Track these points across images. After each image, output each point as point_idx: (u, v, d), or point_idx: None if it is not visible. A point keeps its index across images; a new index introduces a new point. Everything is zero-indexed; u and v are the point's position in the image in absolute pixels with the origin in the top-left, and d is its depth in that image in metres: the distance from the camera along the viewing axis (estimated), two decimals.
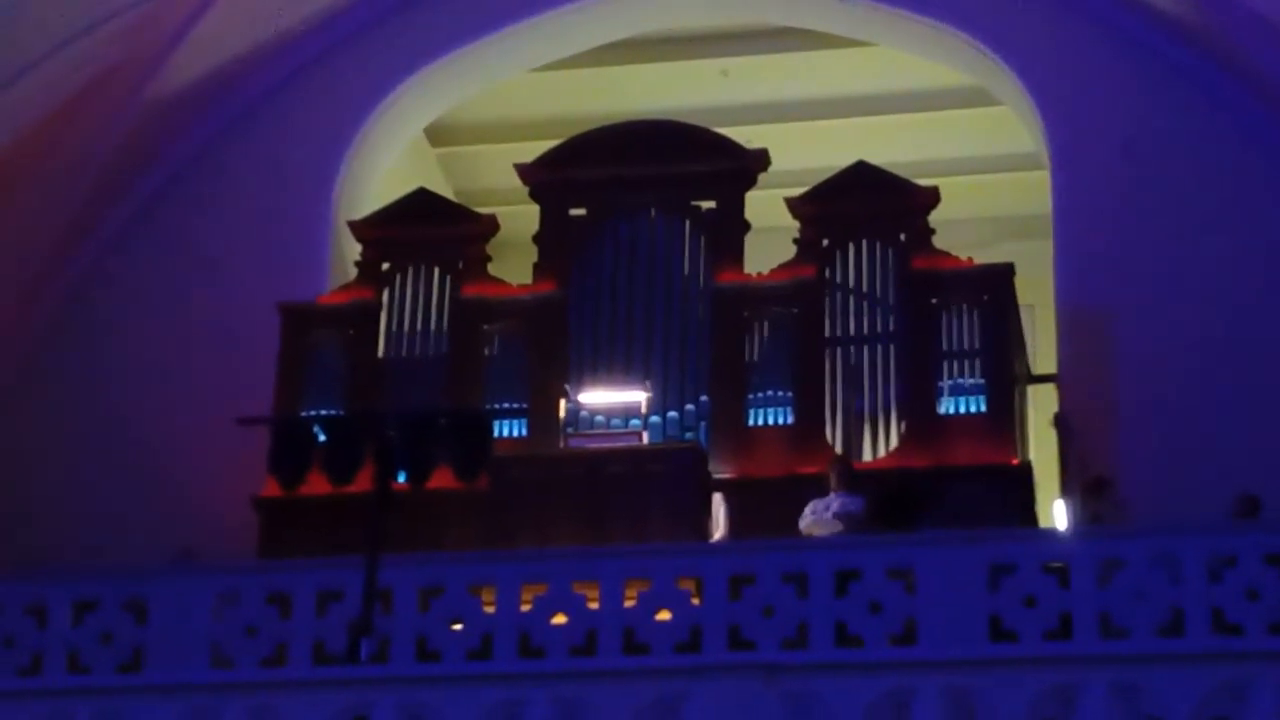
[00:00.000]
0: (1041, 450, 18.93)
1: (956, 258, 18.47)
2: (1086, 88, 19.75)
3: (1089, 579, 13.79)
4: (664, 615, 14.16)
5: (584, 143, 19.43)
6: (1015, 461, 17.73)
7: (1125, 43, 19.75)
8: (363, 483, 12.64)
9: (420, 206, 19.55)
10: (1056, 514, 18.32)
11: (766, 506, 16.98)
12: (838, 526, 16.08)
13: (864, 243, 18.52)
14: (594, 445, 17.45)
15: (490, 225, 19.40)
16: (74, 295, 20.45)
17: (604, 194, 19.09)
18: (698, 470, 17.08)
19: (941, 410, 17.83)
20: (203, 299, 20.04)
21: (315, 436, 12.78)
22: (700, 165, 18.96)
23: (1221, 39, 19.06)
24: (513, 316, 18.85)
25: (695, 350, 18.41)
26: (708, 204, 18.96)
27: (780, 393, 18.10)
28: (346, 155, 20.63)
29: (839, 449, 17.68)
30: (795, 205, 18.83)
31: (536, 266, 19.11)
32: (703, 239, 18.86)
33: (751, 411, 18.06)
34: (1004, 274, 18.35)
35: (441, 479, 12.79)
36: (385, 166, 21.39)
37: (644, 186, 18.99)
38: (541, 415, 18.13)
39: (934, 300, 18.19)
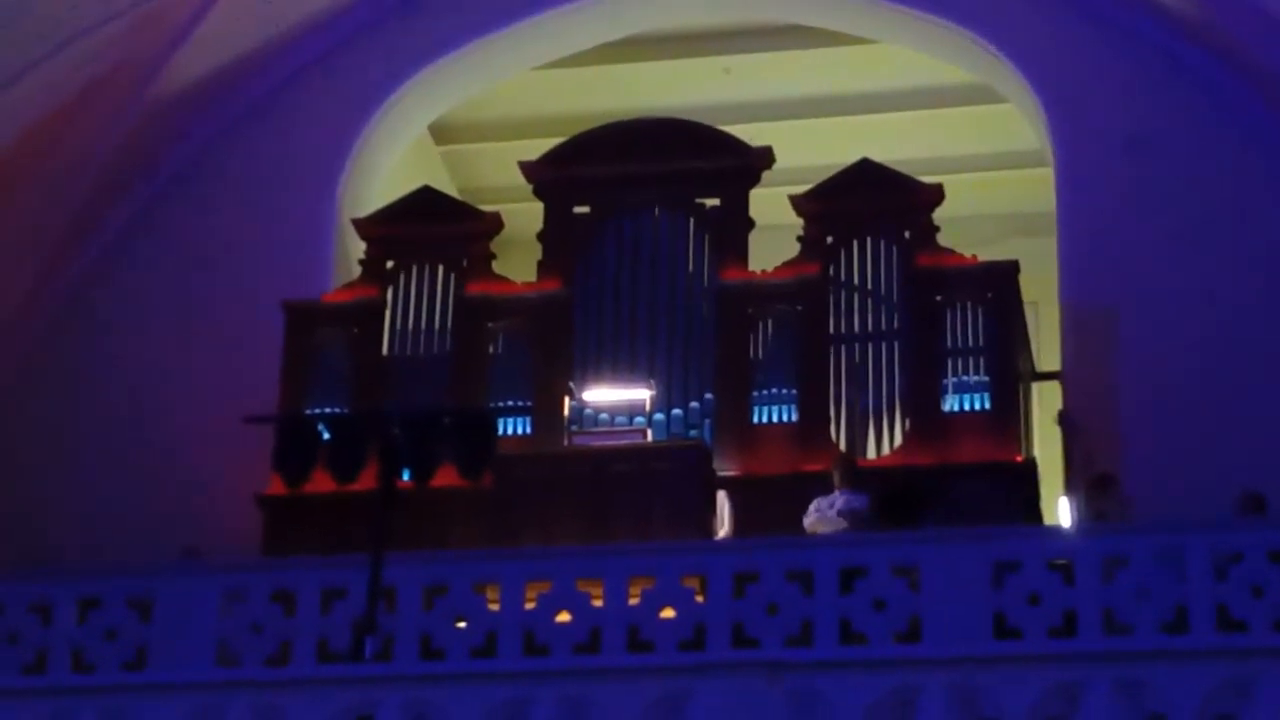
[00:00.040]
0: (1046, 447, 18.94)
1: (961, 255, 18.43)
2: (1091, 85, 19.71)
3: (1093, 576, 13.77)
4: (668, 613, 14.15)
5: (588, 140, 19.40)
6: (1020, 459, 17.71)
7: (1130, 40, 19.71)
8: (367, 481, 12.67)
9: (424, 204, 19.52)
10: (1061, 511, 18.29)
11: (771, 504, 16.97)
12: (842, 524, 16.05)
13: (868, 240, 18.48)
14: (598, 443, 17.43)
15: (494, 223, 19.38)
16: (75, 295, 20.40)
17: (608, 191, 19.07)
18: (702, 468, 17.05)
19: (946, 408, 17.79)
20: (207, 298, 20.01)
21: (320, 435, 12.80)
22: (705, 163, 18.94)
23: (1226, 36, 19.03)
24: (517, 314, 18.83)
25: (699, 348, 18.38)
26: (712, 201, 18.93)
27: (784, 390, 18.07)
28: (350, 154, 20.60)
29: (843, 446, 17.65)
30: (799, 202, 18.80)
31: (541, 264, 19.09)
32: (707, 236, 18.83)
33: (756, 409, 18.03)
34: (1008, 271, 18.30)
35: (446, 477, 12.83)
36: (389, 165, 21.37)
37: (648, 184, 18.95)
38: (546, 413, 18.11)
39: (938, 297, 18.16)
